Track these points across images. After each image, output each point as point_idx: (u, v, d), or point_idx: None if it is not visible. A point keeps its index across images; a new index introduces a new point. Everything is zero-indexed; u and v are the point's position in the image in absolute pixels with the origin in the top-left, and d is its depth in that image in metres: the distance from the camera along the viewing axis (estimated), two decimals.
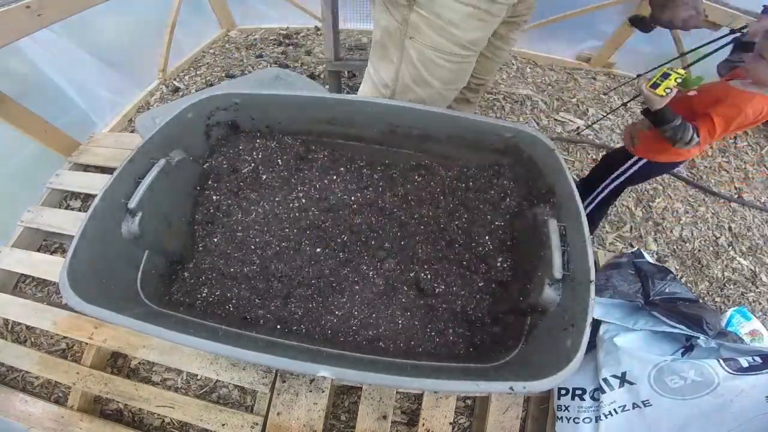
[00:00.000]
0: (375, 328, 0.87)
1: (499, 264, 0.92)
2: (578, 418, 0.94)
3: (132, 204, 0.78)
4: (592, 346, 0.98)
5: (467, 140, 0.96)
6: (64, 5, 1.17)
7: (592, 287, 0.64)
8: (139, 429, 1.07)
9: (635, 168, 1.20)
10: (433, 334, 0.87)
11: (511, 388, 0.54)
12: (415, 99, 0.95)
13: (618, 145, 1.92)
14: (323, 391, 1.01)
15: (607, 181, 1.29)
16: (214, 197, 1.01)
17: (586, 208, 1.40)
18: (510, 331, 0.83)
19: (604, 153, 1.46)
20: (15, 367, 1.15)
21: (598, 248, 1.49)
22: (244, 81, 1.66)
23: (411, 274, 0.94)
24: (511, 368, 0.73)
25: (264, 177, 1.04)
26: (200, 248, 0.96)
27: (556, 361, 0.58)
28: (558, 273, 0.71)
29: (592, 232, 1.52)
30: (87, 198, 1.49)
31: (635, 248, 1.49)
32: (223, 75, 2.12)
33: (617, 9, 2.01)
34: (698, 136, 0.92)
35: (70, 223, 1.33)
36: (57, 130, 1.45)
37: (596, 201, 1.36)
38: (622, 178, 1.25)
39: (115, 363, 1.18)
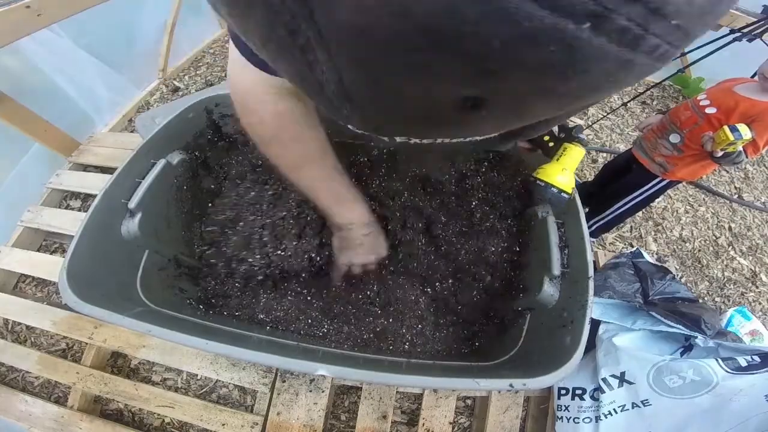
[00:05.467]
0: (376, 328, 0.87)
1: (498, 263, 0.93)
2: (578, 418, 0.94)
3: (132, 204, 0.78)
4: (592, 346, 0.99)
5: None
6: (64, 5, 1.17)
7: (591, 284, 0.64)
8: (139, 429, 1.07)
9: (659, 186, 1.23)
10: (433, 333, 0.88)
11: (511, 385, 0.54)
12: None
13: (622, 150, 1.92)
14: (323, 391, 1.01)
15: (628, 199, 1.31)
16: (214, 198, 1.01)
17: (597, 222, 1.41)
18: (509, 329, 0.83)
19: (610, 162, 1.45)
20: (15, 367, 1.15)
21: (597, 248, 1.49)
22: None
23: (412, 275, 0.94)
24: (511, 366, 0.73)
25: (265, 178, 1.04)
26: (200, 249, 0.96)
27: (555, 359, 0.58)
28: (557, 270, 0.71)
29: (596, 235, 1.53)
30: (87, 198, 1.49)
31: (635, 248, 1.49)
32: (223, 75, 2.12)
33: None
34: (747, 155, 1.00)
35: (70, 223, 1.33)
36: (57, 130, 1.45)
37: (609, 217, 1.39)
38: (644, 196, 1.28)
39: (115, 363, 1.18)
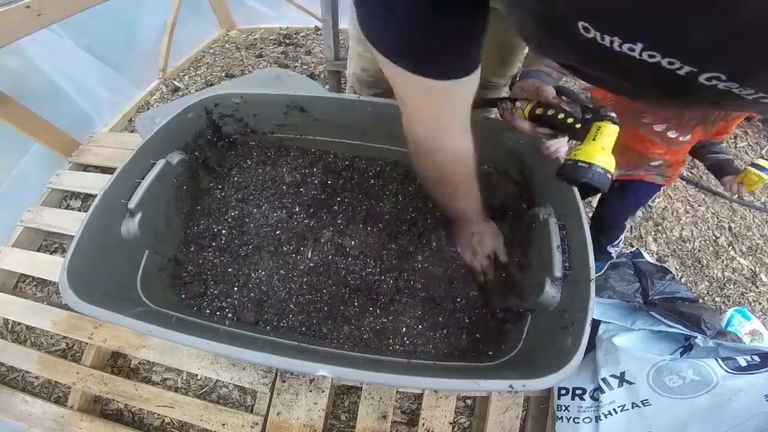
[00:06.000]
0: (376, 328, 0.87)
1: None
2: (578, 418, 0.94)
3: (132, 205, 0.78)
4: (591, 346, 0.99)
5: None
6: (64, 5, 1.17)
7: (593, 285, 0.64)
8: (139, 429, 1.07)
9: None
10: (433, 333, 0.87)
11: (511, 387, 0.54)
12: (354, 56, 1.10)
13: None
14: (323, 391, 1.01)
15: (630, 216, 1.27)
16: (213, 199, 1.01)
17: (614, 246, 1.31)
18: (510, 330, 0.83)
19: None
20: (15, 367, 1.15)
21: None
22: (245, 81, 1.66)
23: (412, 275, 0.94)
24: (511, 367, 0.73)
25: (264, 177, 1.04)
26: (199, 249, 0.96)
27: (556, 360, 0.58)
28: (558, 271, 0.71)
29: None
30: (87, 198, 1.49)
31: (635, 248, 1.49)
32: (223, 75, 2.11)
33: None
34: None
35: (70, 223, 1.33)
36: (57, 130, 1.45)
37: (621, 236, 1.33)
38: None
39: (115, 363, 1.18)
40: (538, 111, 0.69)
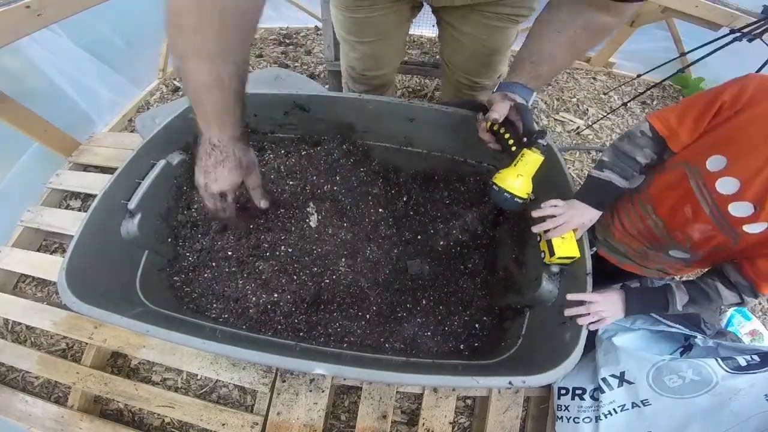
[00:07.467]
0: (376, 327, 0.87)
1: (497, 261, 0.93)
2: (578, 418, 0.94)
3: (131, 205, 0.78)
4: (591, 345, 0.99)
5: (459, 137, 0.96)
6: (64, 5, 1.17)
7: (589, 279, 0.64)
8: (139, 429, 1.07)
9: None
10: (432, 332, 0.87)
11: (510, 383, 0.54)
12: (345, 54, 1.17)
13: None
14: (323, 391, 1.01)
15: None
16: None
17: None
18: (508, 327, 0.83)
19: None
20: (15, 367, 1.15)
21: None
22: None
23: (411, 274, 0.94)
24: (511, 364, 0.73)
25: (264, 176, 1.04)
26: (198, 249, 0.96)
27: (555, 356, 0.58)
28: (555, 267, 0.71)
29: None
30: (87, 198, 1.49)
31: None
32: None
33: None
34: None
35: (70, 223, 1.33)
36: (57, 130, 1.45)
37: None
38: None
39: (115, 363, 1.18)
40: (495, 127, 0.72)
